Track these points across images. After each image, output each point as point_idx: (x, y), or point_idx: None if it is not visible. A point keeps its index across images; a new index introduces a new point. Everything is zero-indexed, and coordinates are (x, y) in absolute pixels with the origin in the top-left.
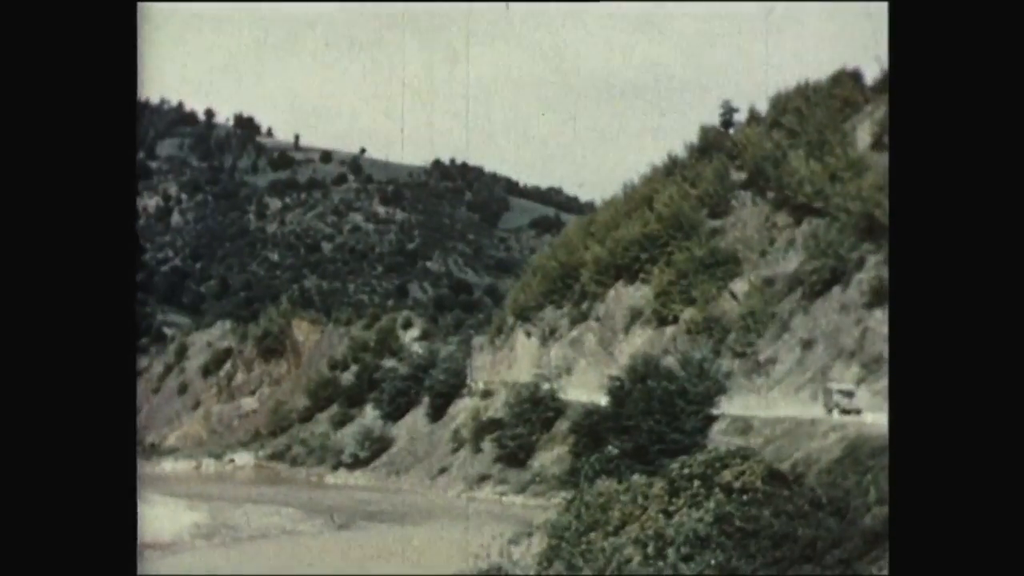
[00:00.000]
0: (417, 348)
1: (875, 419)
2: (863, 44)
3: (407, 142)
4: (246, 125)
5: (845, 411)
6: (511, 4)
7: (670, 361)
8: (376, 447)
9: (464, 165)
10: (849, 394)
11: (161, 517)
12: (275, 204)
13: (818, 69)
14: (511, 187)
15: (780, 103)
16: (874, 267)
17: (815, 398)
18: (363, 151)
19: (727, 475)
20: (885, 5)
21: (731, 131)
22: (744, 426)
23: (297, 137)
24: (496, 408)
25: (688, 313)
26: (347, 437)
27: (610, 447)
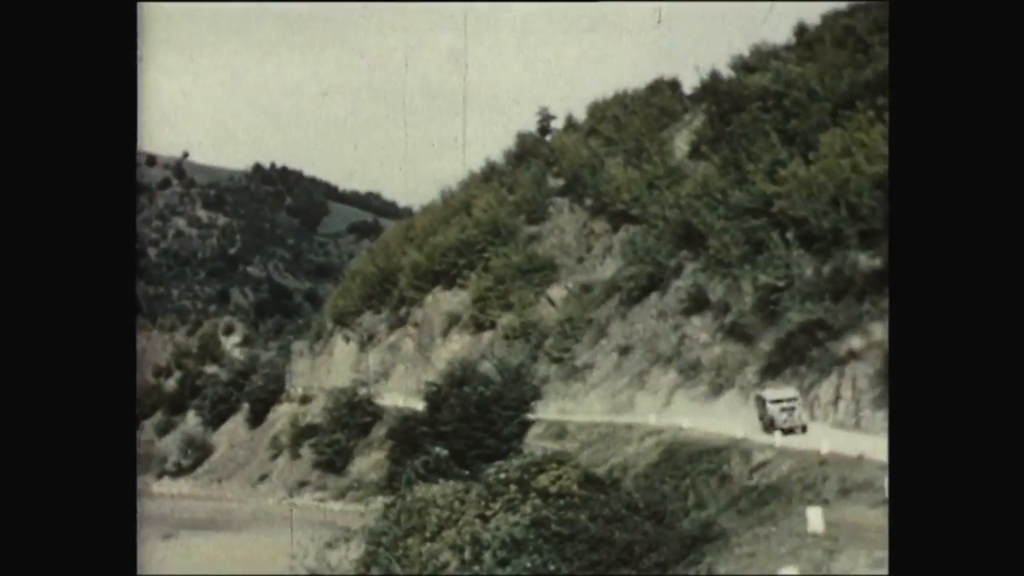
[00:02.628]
0: (238, 354)
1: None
2: (683, 52)
3: (228, 145)
4: None
5: (785, 430)
6: (340, 7)
7: (487, 367)
8: (199, 455)
9: (284, 169)
10: (790, 405)
11: None
12: None
13: (637, 77)
14: (330, 192)
15: (597, 111)
16: (691, 274)
17: (631, 405)
18: (186, 155)
19: (543, 480)
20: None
21: (548, 138)
22: (560, 431)
23: None
24: (314, 414)
25: (505, 319)
26: (171, 445)
27: (438, 449)
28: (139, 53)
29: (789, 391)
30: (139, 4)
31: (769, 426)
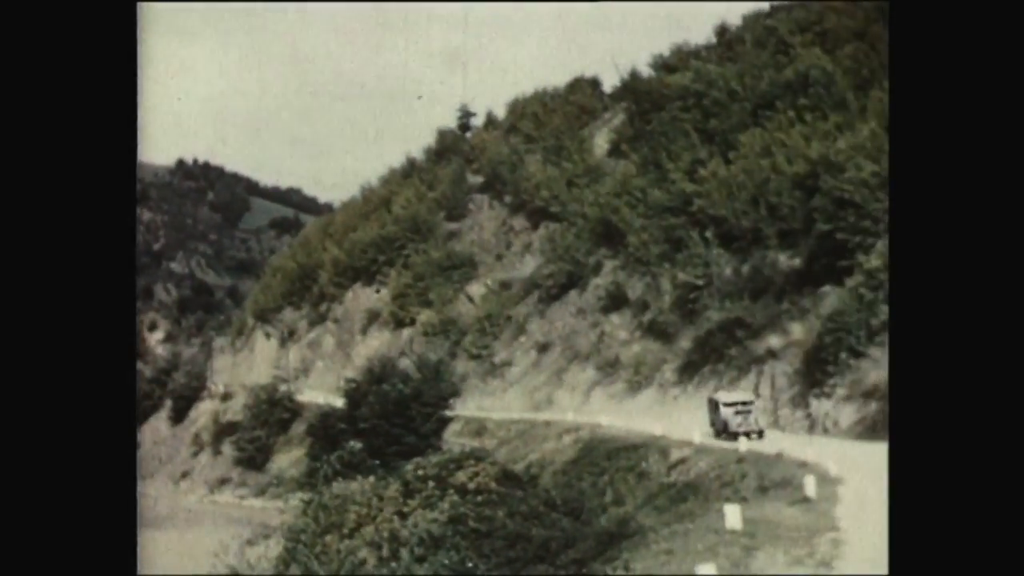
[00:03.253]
0: (161, 351)
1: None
2: (604, 52)
3: (152, 140)
4: None
5: (738, 435)
6: (247, 4)
7: (406, 363)
8: None
9: (207, 165)
10: (745, 409)
11: None
12: None
13: (556, 75)
14: (252, 187)
15: (517, 108)
16: (611, 272)
17: (549, 402)
18: None
19: (461, 476)
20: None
21: (468, 135)
22: (479, 428)
23: None
24: (235, 411)
25: (425, 315)
26: None
27: (352, 443)
28: (139, 53)
29: (745, 394)
30: (139, 4)
31: (723, 431)
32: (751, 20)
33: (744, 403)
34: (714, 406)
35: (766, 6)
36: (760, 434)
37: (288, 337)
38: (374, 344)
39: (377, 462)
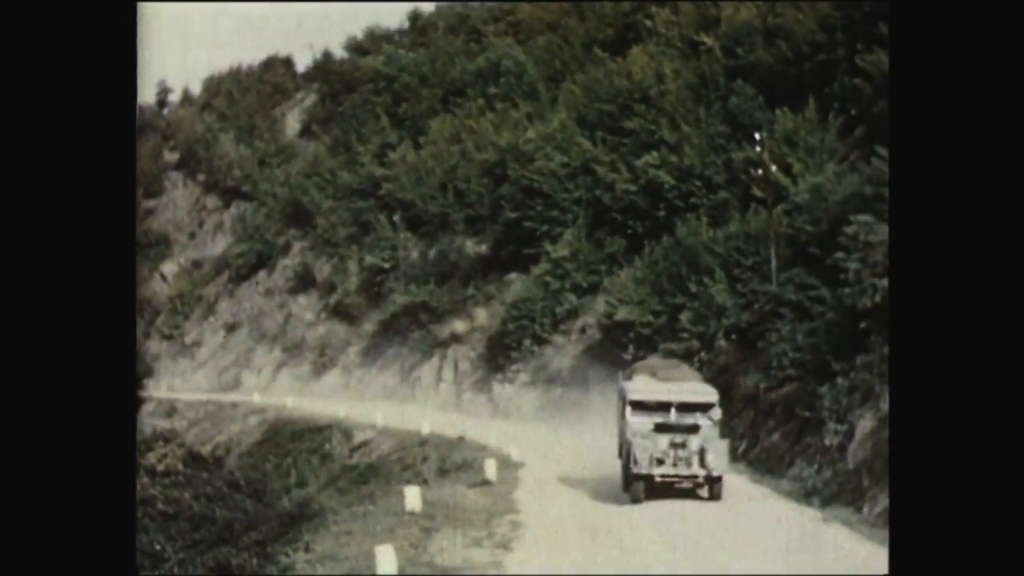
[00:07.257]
0: None
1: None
2: (295, 30)
3: None
4: None
5: (652, 479)
6: None
7: None
8: None
9: None
10: (683, 421)
11: None
12: None
13: (251, 53)
14: None
15: (213, 85)
16: (299, 253)
17: (237, 382)
18: None
19: (151, 458)
20: None
21: (166, 111)
22: (169, 408)
23: None
24: None
25: None
26: None
27: None
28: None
29: (687, 383)
30: (139, 4)
31: (627, 471)
32: (445, 7)
33: (682, 407)
34: (621, 407)
35: None
36: (712, 486)
37: None
38: None
39: None
